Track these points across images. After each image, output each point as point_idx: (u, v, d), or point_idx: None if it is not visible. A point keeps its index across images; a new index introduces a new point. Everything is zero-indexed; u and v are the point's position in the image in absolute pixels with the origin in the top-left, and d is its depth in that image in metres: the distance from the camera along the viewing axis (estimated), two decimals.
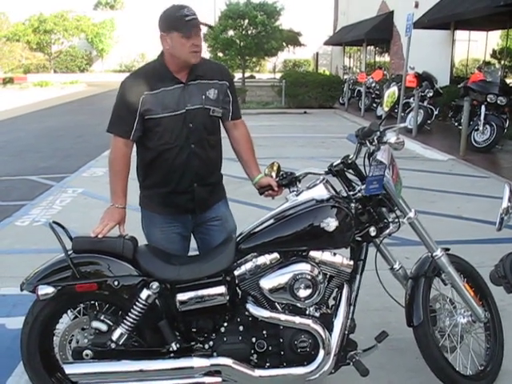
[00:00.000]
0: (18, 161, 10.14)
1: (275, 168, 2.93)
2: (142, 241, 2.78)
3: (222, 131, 2.95)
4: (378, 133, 2.70)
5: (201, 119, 2.77)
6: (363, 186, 2.70)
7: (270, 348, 2.61)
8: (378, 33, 21.40)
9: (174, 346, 2.57)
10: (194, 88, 2.75)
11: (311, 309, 2.62)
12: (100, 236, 2.63)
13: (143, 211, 2.98)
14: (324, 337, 2.56)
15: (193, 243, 3.08)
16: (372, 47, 25.48)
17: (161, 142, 2.76)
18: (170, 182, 2.82)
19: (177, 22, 2.60)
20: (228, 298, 2.57)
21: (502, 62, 15.83)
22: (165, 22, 2.65)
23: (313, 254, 2.59)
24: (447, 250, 2.94)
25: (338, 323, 2.61)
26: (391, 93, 3.07)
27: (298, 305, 2.59)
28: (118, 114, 2.77)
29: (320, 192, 2.66)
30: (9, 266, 4.74)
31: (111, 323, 2.61)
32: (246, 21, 20.21)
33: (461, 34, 17.11)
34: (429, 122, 12.94)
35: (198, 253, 3.00)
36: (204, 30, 20.65)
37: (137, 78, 2.78)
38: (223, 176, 3.06)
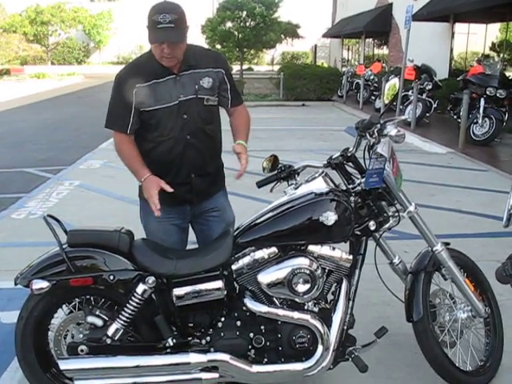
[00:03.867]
0: (15, 153, 10.08)
1: (273, 160, 2.89)
2: (139, 234, 2.75)
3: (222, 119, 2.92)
4: (379, 125, 2.66)
5: (195, 109, 2.74)
6: (363, 180, 2.66)
7: (268, 343, 2.58)
8: (377, 25, 21.33)
9: (170, 342, 2.54)
10: (187, 78, 2.72)
11: (310, 304, 2.59)
12: (157, 206, 2.57)
13: (141, 201, 2.94)
14: (323, 332, 2.53)
15: (191, 237, 3.04)
16: (371, 40, 25.40)
17: (156, 134, 2.74)
18: (168, 174, 2.79)
19: (150, 25, 2.55)
20: (225, 292, 2.54)
21: (502, 55, 15.78)
22: (147, 18, 2.58)
23: (311, 248, 2.56)
24: (447, 244, 2.91)
25: (336, 318, 2.58)
26: (392, 85, 3.04)
27: (297, 300, 2.56)
28: (114, 109, 2.76)
29: (319, 185, 2.63)
30: (4, 259, 4.70)
31: (107, 318, 2.58)
32: (245, 12, 20.13)
33: (460, 27, 17.04)
34: (427, 114, 12.89)
35: (196, 246, 2.97)
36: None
37: (129, 71, 2.76)
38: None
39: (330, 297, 2.67)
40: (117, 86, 2.73)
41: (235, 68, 21.31)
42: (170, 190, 2.67)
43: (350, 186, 2.72)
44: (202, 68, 2.75)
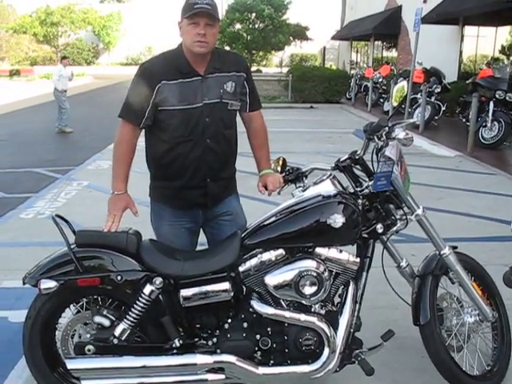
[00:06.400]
0: (24, 153, 10.13)
1: (281, 163, 2.89)
2: (147, 235, 2.75)
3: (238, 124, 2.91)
4: (387, 128, 2.66)
5: (218, 113, 2.71)
6: (371, 183, 2.66)
7: (275, 345, 2.58)
8: (386, 28, 21.28)
9: (177, 343, 2.54)
10: (212, 81, 2.69)
11: (316, 306, 2.59)
12: (113, 229, 2.60)
13: (153, 203, 2.93)
14: (329, 335, 2.53)
15: (201, 238, 3.04)
16: (379, 42, 25.35)
17: (175, 135, 2.69)
18: (183, 177, 2.76)
19: (187, 8, 2.56)
20: (232, 294, 2.54)
21: (511, 58, 15.70)
22: (181, 9, 2.61)
23: (319, 250, 2.56)
24: (455, 247, 2.90)
25: (343, 321, 2.58)
26: (400, 87, 3.04)
27: (303, 302, 2.55)
28: (131, 100, 2.69)
29: (327, 188, 2.63)
30: (13, 259, 4.73)
31: (114, 318, 2.58)
32: (254, 14, 20.22)
33: (469, 30, 16.98)
34: (436, 117, 12.86)
35: (206, 247, 2.96)
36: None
37: (155, 64, 2.71)
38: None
39: (336, 299, 2.67)
40: (140, 77, 2.67)
41: None
42: (135, 211, 2.74)
43: (358, 189, 2.72)
44: (227, 72, 2.73)
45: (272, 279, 2.51)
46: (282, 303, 2.58)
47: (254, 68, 24.05)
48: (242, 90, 2.81)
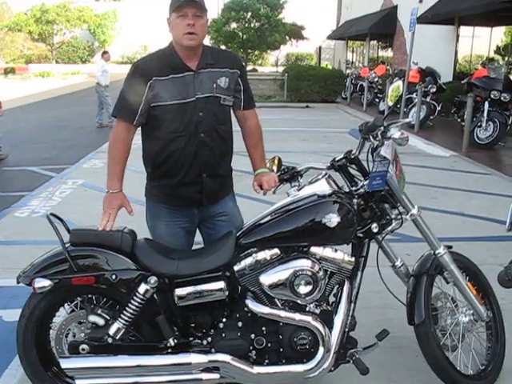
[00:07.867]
0: (19, 151, 10.10)
1: (276, 162, 2.89)
2: (142, 234, 2.74)
3: (233, 123, 2.90)
4: (382, 128, 2.66)
5: (211, 108, 2.73)
6: (366, 182, 2.66)
7: (269, 345, 2.58)
8: (382, 27, 21.31)
9: (171, 342, 2.53)
10: (205, 76, 2.71)
11: (311, 305, 2.59)
12: (108, 228, 2.59)
13: (148, 203, 2.93)
14: (324, 334, 2.53)
15: (198, 238, 3.03)
16: (375, 42, 25.37)
17: (168, 131, 2.70)
18: (179, 173, 2.77)
19: (174, 1, 2.59)
20: (227, 293, 2.53)
21: (506, 59, 15.75)
22: (169, 5, 2.63)
23: (314, 249, 2.55)
24: (450, 247, 2.90)
25: (338, 320, 2.58)
26: (396, 87, 3.04)
27: (298, 301, 2.55)
28: (124, 98, 2.70)
29: (322, 187, 2.63)
30: (7, 258, 4.71)
31: (108, 317, 2.57)
32: (249, 13, 20.20)
33: (465, 30, 17.01)
34: (431, 117, 12.87)
35: (201, 246, 2.96)
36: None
37: (147, 62, 2.73)
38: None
39: (331, 299, 2.67)
40: (132, 75, 2.69)
41: None
42: (130, 210, 2.73)
43: (353, 188, 2.72)
44: (220, 67, 2.74)
45: (267, 278, 2.51)
46: (277, 302, 2.57)
47: (249, 67, 24.08)
48: (236, 87, 2.82)
